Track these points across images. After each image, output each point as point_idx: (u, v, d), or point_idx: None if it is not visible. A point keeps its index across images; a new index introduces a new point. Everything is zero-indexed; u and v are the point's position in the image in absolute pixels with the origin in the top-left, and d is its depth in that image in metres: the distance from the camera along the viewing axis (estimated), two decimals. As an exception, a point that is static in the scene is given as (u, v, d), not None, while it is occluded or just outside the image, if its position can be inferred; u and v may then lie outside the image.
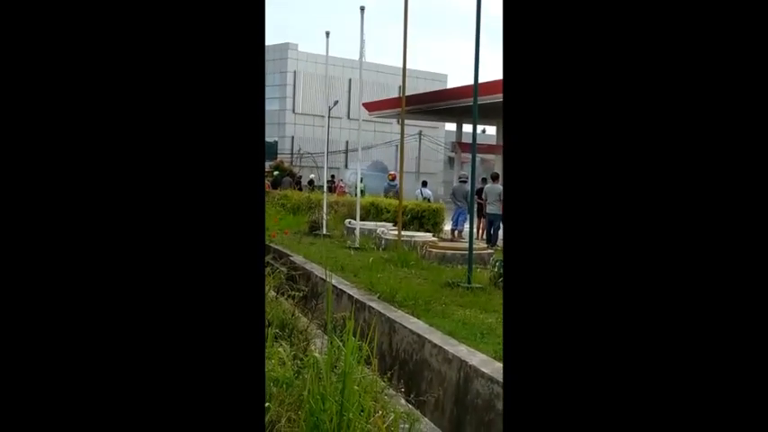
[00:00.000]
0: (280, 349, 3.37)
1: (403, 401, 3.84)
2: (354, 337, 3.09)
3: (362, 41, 12.83)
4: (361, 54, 13.17)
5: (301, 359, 3.70)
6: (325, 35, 13.76)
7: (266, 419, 2.74)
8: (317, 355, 3.14)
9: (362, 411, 2.93)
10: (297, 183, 27.21)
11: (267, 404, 2.77)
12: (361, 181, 15.54)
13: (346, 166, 41.32)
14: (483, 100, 10.34)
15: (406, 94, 12.34)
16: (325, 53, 14.27)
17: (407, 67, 11.02)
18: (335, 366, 3.11)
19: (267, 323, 4.38)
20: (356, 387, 2.93)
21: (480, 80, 8.55)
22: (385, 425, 2.96)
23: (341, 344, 3.13)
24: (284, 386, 3.01)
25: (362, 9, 12.10)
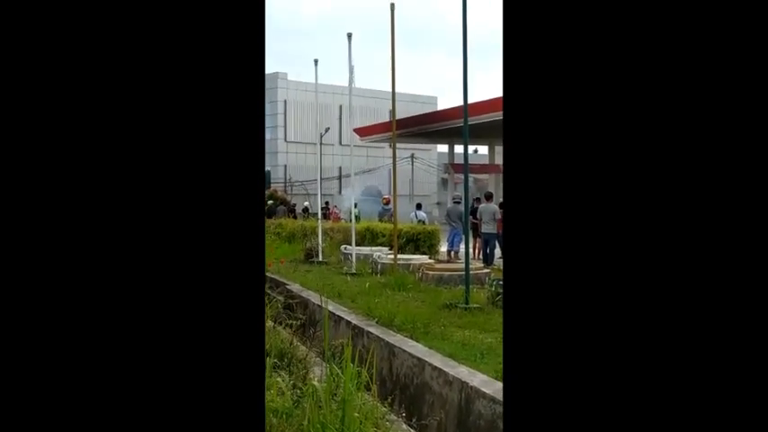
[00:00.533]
0: (278, 379, 3.35)
1: (405, 427, 3.81)
2: (353, 363, 3.08)
3: (351, 68, 12.90)
4: (351, 80, 13.23)
5: (301, 388, 3.67)
6: (313, 63, 13.84)
7: (267, 451, 2.72)
8: (315, 383, 3.12)
9: (363, 438, 2.91)
10: (291, 211, 27.19)
11: (267, 435, 2.75)
12: (356, 206, 15.51)
13: (340, 192, 41.31)
14: (473, 120, 10.38)
15: (397, 117, 12.39)
16: (313, 81, 14.33)
17: (397, 90, 11.07)
18: (335, 394, 3.09)
19: (266, 353, 4.36)
20: (356, 414, 2.91)
21: (470, 100, 8.59)
22: (387, 451, 2.94)
23: (339, 371, 3.11)
24: (284, 416, 2.99)
25: (350, 36, 12.20)
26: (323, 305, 4.10)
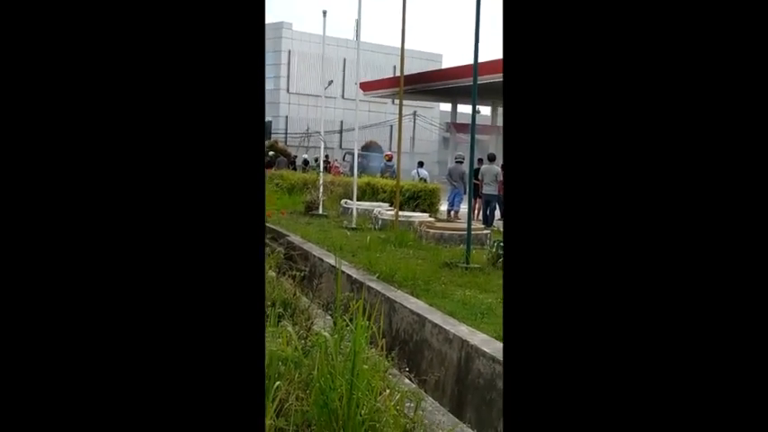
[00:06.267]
0: (288, 329, 3.38)
1: (407, 381, 3.86)
2: (360, 317, 3.11)
3: (359, 22, 12.77)
4: (358, 34, 13.11)
5: (305, 338, 3.72)
6: (321, 14, 13.66)
7: (275, 399, 2.76)
8: (326, 334, 3.15)
9: (370, 390, 2.95)
10: (291, 163, 27.16)
11: (278, 383, 2.79)
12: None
13: (341, 146, 41.21)
14: (480, 80, 10.28)
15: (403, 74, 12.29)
16: (319, 32, 14.17)
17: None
18: (339, 346, 3.13)
19: (271, 303, 4.41)
20: (365, 366, 2.95)
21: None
22: (392, 403, 2.98)
23: (349, 323, 3.15)
24: (292, 365, 3.03)
25: (360, -12, 12.04)
26: (337, 265, 4.12)
